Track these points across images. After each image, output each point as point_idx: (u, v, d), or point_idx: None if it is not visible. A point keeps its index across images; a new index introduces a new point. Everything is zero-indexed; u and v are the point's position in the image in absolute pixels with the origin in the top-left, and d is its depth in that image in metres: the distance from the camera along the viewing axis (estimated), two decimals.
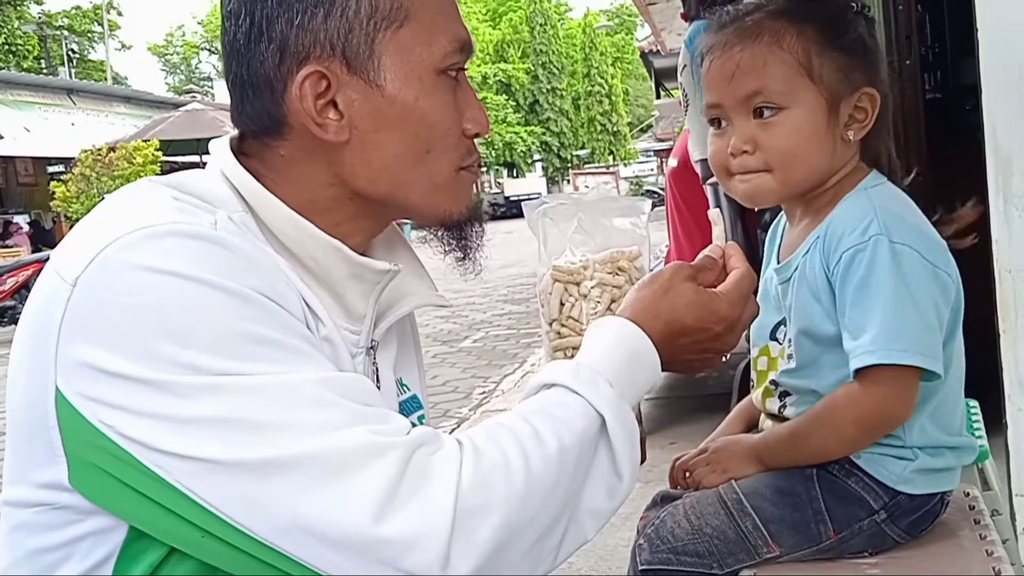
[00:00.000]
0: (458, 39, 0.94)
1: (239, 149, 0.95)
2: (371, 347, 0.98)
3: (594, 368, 0.88)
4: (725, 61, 1.19)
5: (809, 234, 1.22)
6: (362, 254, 0.96)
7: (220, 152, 0.94)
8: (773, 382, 1.27)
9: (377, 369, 0.99)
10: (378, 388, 0.98)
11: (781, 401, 1.27)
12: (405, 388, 1.07)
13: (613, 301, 1.04)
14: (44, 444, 0.79)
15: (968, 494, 1.38)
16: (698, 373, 1.05)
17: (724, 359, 1.02)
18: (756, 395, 1.32)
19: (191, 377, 0.74)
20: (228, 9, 0.92)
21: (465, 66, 0.97)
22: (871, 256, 1.12)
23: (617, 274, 1.05)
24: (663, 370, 0.97)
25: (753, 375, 1.33)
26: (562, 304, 1.04)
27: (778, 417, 1.28)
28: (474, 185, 1.00)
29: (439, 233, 1.00)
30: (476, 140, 0.98)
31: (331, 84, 0.89)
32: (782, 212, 1.32)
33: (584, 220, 1.07)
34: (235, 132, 0.97)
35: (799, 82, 1.16)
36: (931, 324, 1.13)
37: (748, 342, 1.31)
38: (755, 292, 1.03)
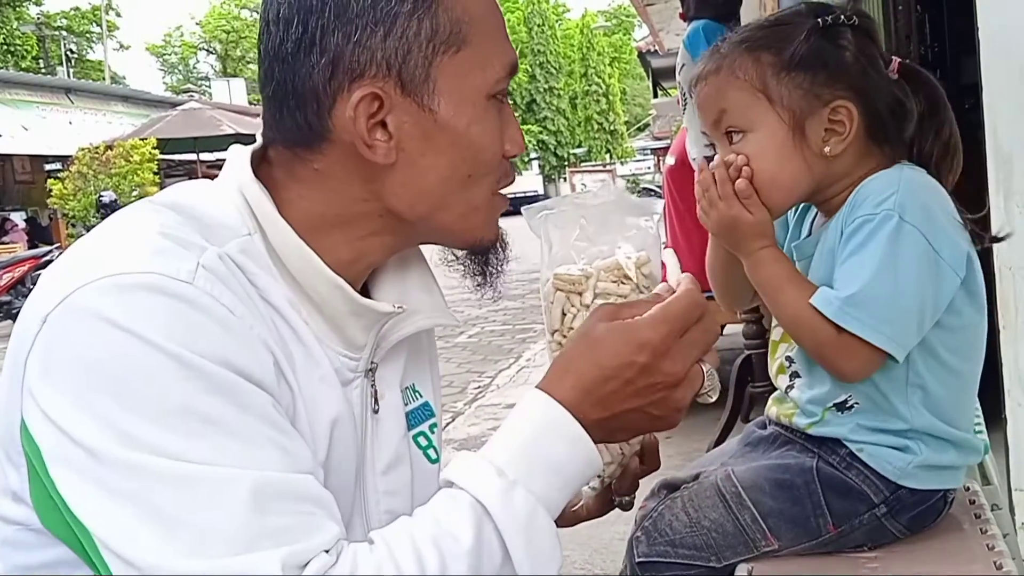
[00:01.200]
0: (510, 63, 0.92)
1: (261, 155, 0.92)
2: (370, 369, 0.95)
3: (488, 458, 0.81)
4: (698, 94, 1.25)
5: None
6: (375, 270, 0.95)
7: (239, 166, 0.90)
8: (788, 358, 1.28)
9: (376, 391, 0.96)
10: (376, 410, 0.96)
11: (790, 381, 1.27)
12: (416, 395, 1.03)
13: None
14: (17, 464, 0.79)
15: (968, 488, 1.37)
16: (662, 428, 0.89)
17: (698, 396, 0.87)
18: (772, 367, 1.33)
19: (126, 449, 0.72)
20: (276, 15, 0.87)
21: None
22: (874, 228, 1.13)
23: (622, 283, 0.98)
24: (609, 439, 0.89)
25: (771, 344, 1.33)
26: (564, 314, 0.99)
27: (784, 399, 1.29)
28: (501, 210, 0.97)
29: (462, 256, 0.98)
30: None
31: (384, 105, 0.86)
32: None
33: (587, 226, 1.01)
34: (258, 144, 0.94)
35: (758, 106, 1.19)
36: (906, 307, 1.13)
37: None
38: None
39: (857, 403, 1.20)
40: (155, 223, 0.83)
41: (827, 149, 1.18)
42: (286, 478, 0.76)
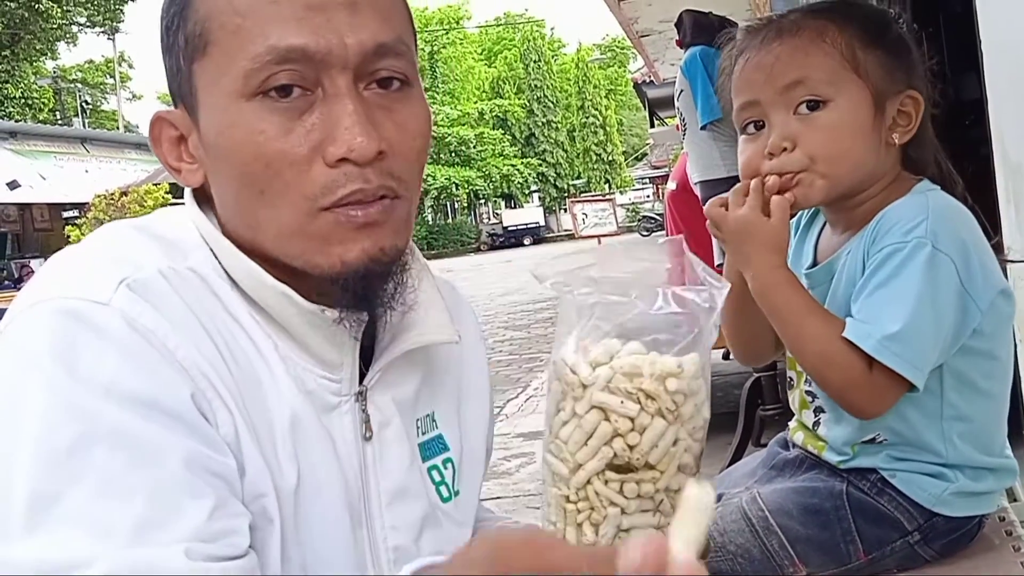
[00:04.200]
0: (274, 50, 0.75)
1: None
2: (360, 392, 0.87)
3: None
4: (764, 56, 1.15)
5: (853, 237, 1.17)
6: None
7: (186, 189, 0.89)
8: (810, 393, 1.23)
9: (368, 417, 0.88)
10: (367, 437, 0.87)
11: (816, 417, 1.23)
12: (433, 426, 0.95)
13: (617, 436, 0.67)
14: None
15: (999, 506, 1.33)
16: None
17: None
18: (793, 399, 1.28)
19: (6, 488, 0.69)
20: None
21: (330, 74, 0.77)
22: (906, 257, 1.07)
23: (637, 399, 0.67)
24: None
25: (791, 374, 1.29)
26: (558, 410, 0.72)
27: (810, 431, 1.24)
28: (363, 229, 0.79)
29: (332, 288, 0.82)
30: (386, 166, 0.79)
31: (177, 128, 0.84)
32: (810, 212, 1.28)
33: (600, 305, 0.70)
34: None
35: (843, 75, 1.12)
36: (940, 341, 1.08)
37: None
38: None
39: (885, 439, 1.17)
40: (106, 244, 0.81)
41: (894, 137, 1.15)
42: (149, 555, 0.67)
